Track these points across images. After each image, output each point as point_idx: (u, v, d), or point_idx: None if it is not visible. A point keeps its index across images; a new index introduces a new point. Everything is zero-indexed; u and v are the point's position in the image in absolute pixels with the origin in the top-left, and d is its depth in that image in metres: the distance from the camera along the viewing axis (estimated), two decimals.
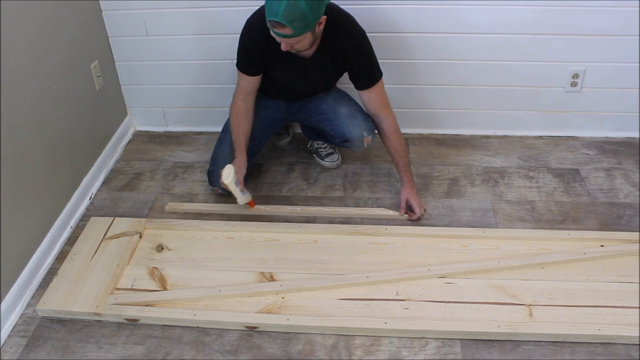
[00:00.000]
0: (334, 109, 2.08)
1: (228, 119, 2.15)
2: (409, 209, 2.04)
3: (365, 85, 1.95)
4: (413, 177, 2.08)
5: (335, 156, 2.34)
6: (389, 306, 1.68)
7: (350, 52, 1.89)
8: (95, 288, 1.75)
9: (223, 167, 2.04)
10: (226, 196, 2.16)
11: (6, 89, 1.68)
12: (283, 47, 1.76)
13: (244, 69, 1.97)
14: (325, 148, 2.34)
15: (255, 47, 1.89)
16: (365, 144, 2.08)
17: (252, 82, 1.99)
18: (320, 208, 2.10)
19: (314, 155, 2.37)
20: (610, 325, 1.59)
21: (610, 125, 2.45)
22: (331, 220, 2.05)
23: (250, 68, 1.97)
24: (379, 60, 1.94)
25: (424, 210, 2.06)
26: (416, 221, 2.03)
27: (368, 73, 1.94)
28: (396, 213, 2.04)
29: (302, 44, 1.76)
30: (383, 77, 1.96)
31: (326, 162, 2.33)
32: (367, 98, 1.99)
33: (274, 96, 2.14)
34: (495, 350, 1.57)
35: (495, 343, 1.59)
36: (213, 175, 2.11)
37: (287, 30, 1.67)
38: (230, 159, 2.08)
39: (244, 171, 1.97)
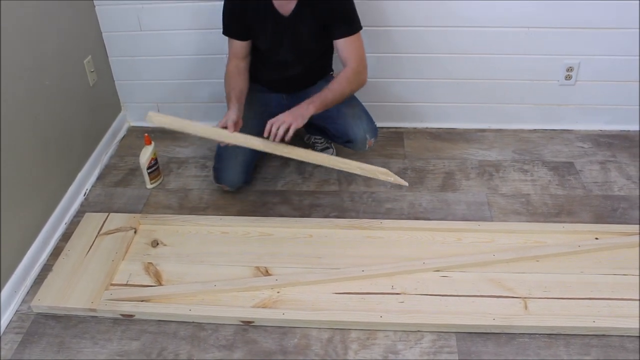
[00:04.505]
0: (338, 108, 2.00)
1: None
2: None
3: (343, 33, 1.89)
4: (318, 106, 1.81)
5: (330, 150, 2.33)
6: (385, 300, 1.68)
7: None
8: (90, 284, 1.75)
9: (228, 164, 2.00)
10: (224, 192, 2.16)
11: None
12: None
13: (230, 31, 1.97)
14: (321, 142, 2.34)
15: (237, 6, 1.91)
16: (367, 146, 2.07)
17: (240, 47, 1.99)
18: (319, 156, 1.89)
19: (309, 149, 2.36)
20: (605, 317, 1.59)
21: (605, 118, 2.45)
22: (326, 215, 2.05)
23: (237, 29, 1.97)
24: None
25: (287, 130, 1.75)
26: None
27: (348, 20, 1.89)
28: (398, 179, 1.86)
29: None
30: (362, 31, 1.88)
31: None
32: (341, 47, 1.91)
33: (272, 85, 2.12)
34: (491, 343, 1.57)
35: (491, 336, 1.59)
36: (219, 173, 2.09)
37: None
38: (235, 157, 2.05)
39: (237, 120, 1.80)
